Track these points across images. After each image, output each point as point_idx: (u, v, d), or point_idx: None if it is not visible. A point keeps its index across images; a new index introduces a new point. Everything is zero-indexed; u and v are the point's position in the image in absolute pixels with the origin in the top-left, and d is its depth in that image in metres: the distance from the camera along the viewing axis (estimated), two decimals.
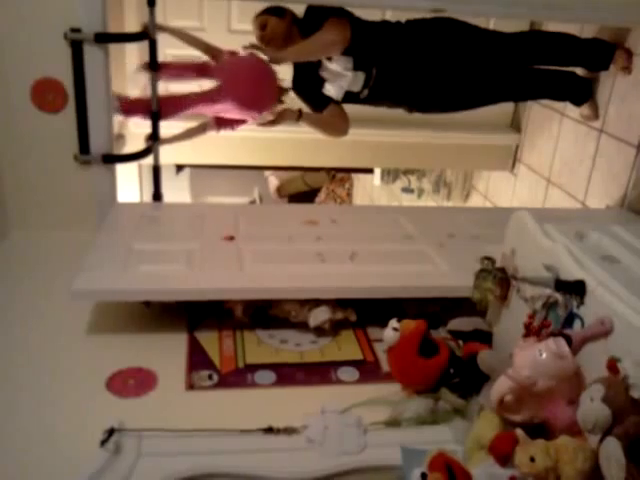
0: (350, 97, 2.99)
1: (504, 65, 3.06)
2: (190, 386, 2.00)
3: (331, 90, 2.96)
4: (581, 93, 3.28)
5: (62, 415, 1.82)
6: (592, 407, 1.31)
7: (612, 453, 1.22)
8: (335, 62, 2.87)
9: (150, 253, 2.42)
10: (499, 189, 4.40)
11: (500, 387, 1.55)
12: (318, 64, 2.93)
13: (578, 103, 3.32)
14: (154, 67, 2.99)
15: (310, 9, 2.87)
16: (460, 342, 2.08)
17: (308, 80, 3.01)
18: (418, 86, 2.97)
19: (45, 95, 2.77)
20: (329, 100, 3.01)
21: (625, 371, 1.35)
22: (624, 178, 3.10)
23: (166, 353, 2.15)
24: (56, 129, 2.83)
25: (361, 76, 2.89)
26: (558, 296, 1.67)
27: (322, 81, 2.96)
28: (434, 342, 1.93)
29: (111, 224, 2.72)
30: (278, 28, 2.90)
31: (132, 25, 3.54)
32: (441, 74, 2.95)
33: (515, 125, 4.19)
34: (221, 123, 3.05)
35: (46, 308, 2.33)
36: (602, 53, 3.09)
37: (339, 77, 2.90)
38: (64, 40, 2.65)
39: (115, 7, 3.17)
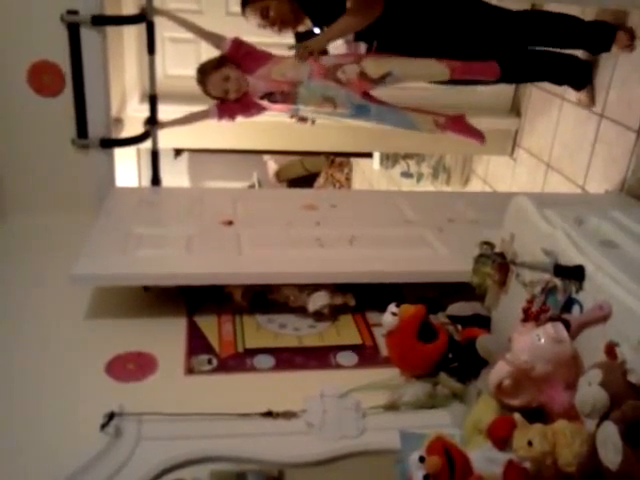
0: None
1: (504, 43, 3.03)
2: (189, 370, 2.01)
3: None
4: (581, 78, 3.25)
5: (62, 399, 1.83)
6: (590, 391, 1.31)
7: (609, 437, 1.23)
8: None
9: (149, 237, 2.42)
10: (498, 173, 4.39)
11: (498, 371, 1.55)
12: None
13: (578, 87, 3.30)
14: (151, 51, 2.97)
15: None
16: (459, 327, 2.08)
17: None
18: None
19: (42, 78, 2.75)
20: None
21: (623, 356, 1.35)
22: (624, 163, 3.09)
23: (165, 337, 2.15)
24: (53, 113, 2.81)
25: (362, 46, 2.88)
26: (557, 281, 1.67)
27: None
28: (433, 327, 1.93)
29: (110, 208, 2.71)
30: (282, 8, 2.81)
31: (129, 8, 3.51)
32: (441, 49, 2.90)
33: (515, 109, 4.17)
34: (223, 113, 3.00)
35: (45, 292, 2.33)
36: (603, 34, 3.06)
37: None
38: (61, 22, 2.63)
39: None
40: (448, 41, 2.88)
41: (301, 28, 2.96)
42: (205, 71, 2.90)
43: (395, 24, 2.82)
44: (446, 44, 2.88)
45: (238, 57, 2.91)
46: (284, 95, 2.91)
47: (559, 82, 3.33)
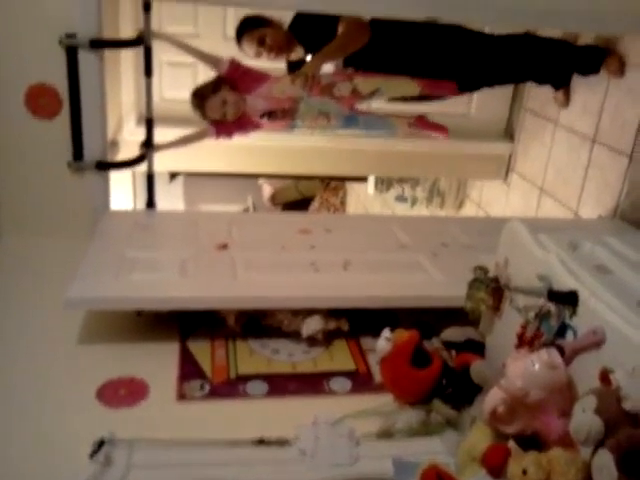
0: None
1: (494, 69, 3.13)
2: (181, 396, 1.99)
3: None
4: (560, 78, 3.35)
5: (52, 426, 1.81)
6: (584, 418, 1.30)
7: (605, 465, 1.22)
8: None
9: (143, 261, 2.41)
10: (492, 198, 4.41)
11: (493, 398, 1.54)
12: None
13: (556, 87, 3.41)
14: (148, 74, 2.99)
15: (302, 16, 2.90)
16: (453, 352, 2.07)
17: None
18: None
19: (39, 101, 2.75)
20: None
21: (617, 382, 1.34)
22: (617, 187, 3.11)
23: (158, 363, 2.13)
24: (50, 135, 2.81)
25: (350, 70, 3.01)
26: (551, 306, 1.67)
27: None
28: (427, 353, 1.92)
29: (104, 232, 2.71)
30: (278, 36, 2.91)
31: (127, 31, 3.54)
32: (423, 72, 3.03)
33: (508, 134, 4.20)
34: (220, 131, 3.03)
35: (38, 316, 2.31)
36: (593, 57, 3.12)
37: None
38: (59, 45, 2.64)
39: (110, 12, 3.16)
40: (431, 68, 2.99)
41: (293, 56, 3.04)
42: (202, 95, 2.93)
43: (380, 51, 2.91)
44: (429, 70, 3.00)
45: (236, 77, 2.96)
46: (284, 112, 2.98)
47: (540, 81, 3.39)
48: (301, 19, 2.95)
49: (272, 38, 2.90)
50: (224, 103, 2.91)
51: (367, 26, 2.86)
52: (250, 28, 2.93)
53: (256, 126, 3.07)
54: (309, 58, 3.01)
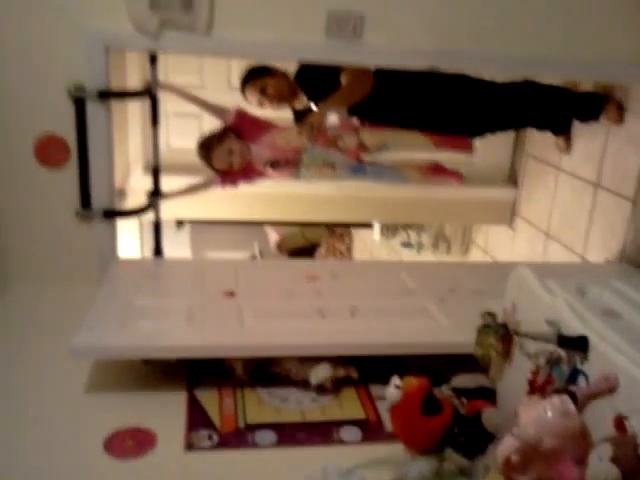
0: None
1: (494, 117, 3.18)
2: (189, 446, 1.96)
3: None
4: (561, 124, 3.40)
5: (60, 478, 1.78)
6: (601, 467, 1.28)
7: None
8: None
9: (150, 309, 2.41)
10: (498, 243, 4.42)
11: (506, 446, 1.52)
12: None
13: (556, 133, 3.47)
14: (155, 124, 3.05)
15: (306, 66, 2.97)
16: (464, 400, 2.04)
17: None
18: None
19: (48, 150, 2.79)
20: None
21: (633, 429, 1.33)
22: (622, 231, 3.12)
23: (165, 412, 2.11)
24: (58, 184, 2.84)
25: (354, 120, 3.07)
26: (561, 352, 1.66)
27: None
28: (437, 400, 1.89)
29: (111, 280, 2.72)
30: (281, 85, 2.98)
31: (134, 81, 3.62)
32: (427, 123, 3.06)
33: (512, 180, 4.24)
34: (226, 180, 3.08)
35: (45, 365, 2.30)
36: (592, 104, 3.17)
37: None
38: (67, 97, 2.70)
39: (118, 64, 3.24)
40: (435, 116, 3.03)
41: (298, 105, 3.09)
42: (208, 146, 2.98)
43: (384, 100, 2.96)
44: (432, 119, 3.03)
45: (242, 126, 3.01)
46: (288, 161, 3.01)
47: (540, 127, 3.43)
48: (305, 69, 3.02)
49: (274, 87, 2.97)
50: (230, 152, 2.96)
51: (371, 75, 2.92)
52: (253, 78, 3.00)
53: (261, 175, 3.11)
54: (313, 106, 3.07)
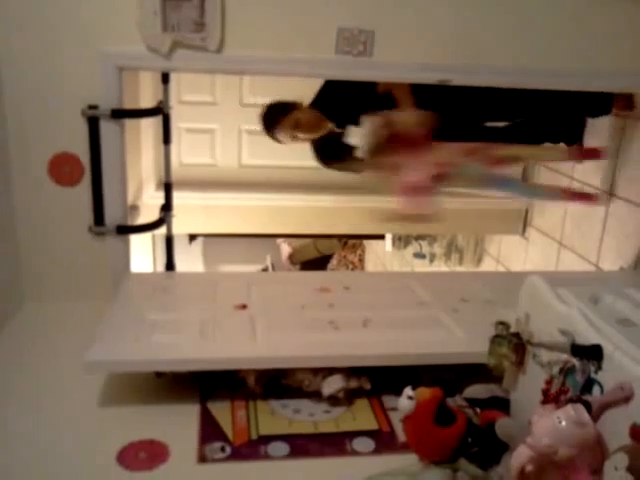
0: None
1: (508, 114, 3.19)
2: (202, 459, 1.96)
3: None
4: (573, 134, 3.42)
5: None
6: (617, 477, 1.27)
7: None
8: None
9: (163, 323, 2.42)
10: (511, 253, 4.40)
11: (520, 457, 1.50)
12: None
13: (569, 143, 3.46)
14: (167, 141, 3.08)
15: (327, 92, 2.95)
16: (477, 410, 2.03)
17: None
18: None
19: (62, 169, 2.82)
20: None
21: None
22: (636, 239, 3.10)
23: (178, 424, 2.11)
24: (72, 201, 2.87)
25: None
26: (575, 361, 1.65)
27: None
28: (451, 410, 1.88)
29: (124, 294, 2.73)
30: (310, 115, 2.95)
31: (147, 99, 3.66)
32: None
33: None
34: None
35: (58, 379, 2.32)
36: (602, 100, 3.15)
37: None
38: (81, 116, 2.73)
39: (131, 83, 3.28)
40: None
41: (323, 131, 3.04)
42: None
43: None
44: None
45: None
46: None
47: (555, 140, 3.43)
48: (326, 95, 3.00)
49: (306, 118, 2.94)
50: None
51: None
52: (282, 115, 2.98)
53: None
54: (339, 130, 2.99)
